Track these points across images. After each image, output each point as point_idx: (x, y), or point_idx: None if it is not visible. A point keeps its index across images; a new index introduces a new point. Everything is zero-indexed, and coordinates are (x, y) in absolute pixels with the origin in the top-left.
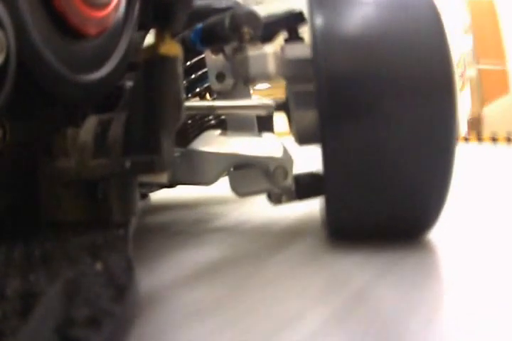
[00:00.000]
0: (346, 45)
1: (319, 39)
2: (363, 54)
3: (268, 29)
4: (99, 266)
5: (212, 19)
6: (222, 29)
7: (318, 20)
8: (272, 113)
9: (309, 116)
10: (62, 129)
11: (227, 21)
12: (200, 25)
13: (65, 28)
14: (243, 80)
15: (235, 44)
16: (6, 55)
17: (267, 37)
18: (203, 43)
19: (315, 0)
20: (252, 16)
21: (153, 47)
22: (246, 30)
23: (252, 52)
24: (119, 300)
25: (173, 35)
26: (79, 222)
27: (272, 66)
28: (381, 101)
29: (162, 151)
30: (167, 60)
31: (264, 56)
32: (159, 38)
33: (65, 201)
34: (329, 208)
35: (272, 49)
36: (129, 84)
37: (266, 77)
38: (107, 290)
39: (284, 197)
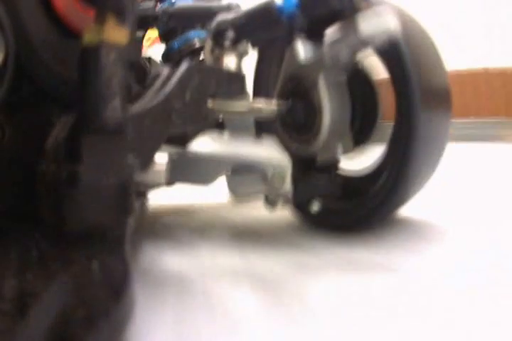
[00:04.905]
0: None
1: None
2: None
3: None
4: (95, 266)
5: None
6: None
7: None
8: (273, 117)
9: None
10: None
11: None
12: None
13: (63, 27)
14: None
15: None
16: (5, 55)
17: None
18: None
19: None
20: None
21: (92, 32)
22: None
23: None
24: (115, 300)
25: (123, 20)
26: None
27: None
28: None
29: (83, 160)
30: (104, 47)
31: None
32: (100, 21)
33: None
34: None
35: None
36: None
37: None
38: (103, 291)
39: (280, 200)
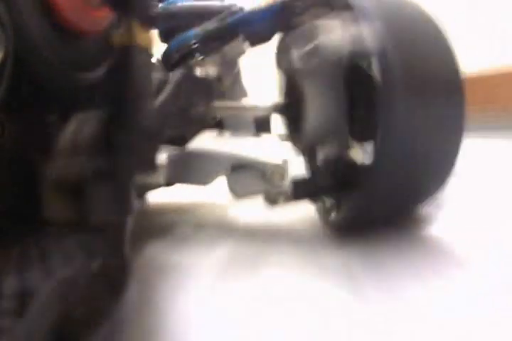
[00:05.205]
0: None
1: None
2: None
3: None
4: (95, 265)
5: None
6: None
7: None
8: (270, 114)
9: (326, 114)
10: (59, 128)
11: None
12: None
13: (63, 26)
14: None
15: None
16: (5, 53)
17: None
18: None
19: None
20: None
21: (120, 37)
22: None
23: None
24: (115, 300)
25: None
26: (67, 223)
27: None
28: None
29: (127, 155)
30: (135, 50)
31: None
32: (126, 27)
33: (50, 201)
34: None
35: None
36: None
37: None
38: (103, 290)
39: (280, 198)
